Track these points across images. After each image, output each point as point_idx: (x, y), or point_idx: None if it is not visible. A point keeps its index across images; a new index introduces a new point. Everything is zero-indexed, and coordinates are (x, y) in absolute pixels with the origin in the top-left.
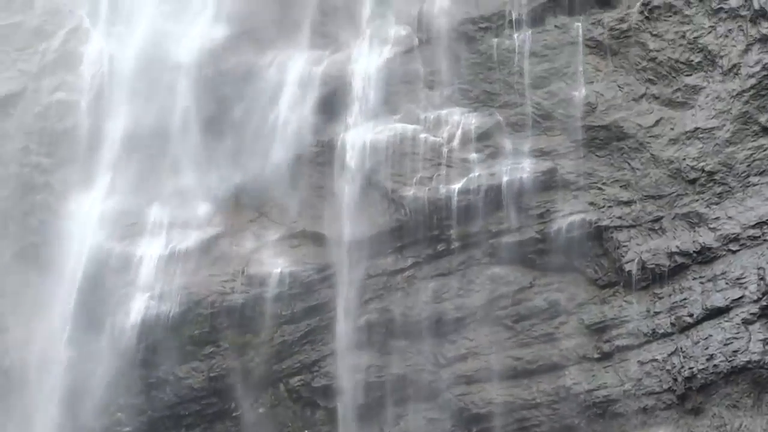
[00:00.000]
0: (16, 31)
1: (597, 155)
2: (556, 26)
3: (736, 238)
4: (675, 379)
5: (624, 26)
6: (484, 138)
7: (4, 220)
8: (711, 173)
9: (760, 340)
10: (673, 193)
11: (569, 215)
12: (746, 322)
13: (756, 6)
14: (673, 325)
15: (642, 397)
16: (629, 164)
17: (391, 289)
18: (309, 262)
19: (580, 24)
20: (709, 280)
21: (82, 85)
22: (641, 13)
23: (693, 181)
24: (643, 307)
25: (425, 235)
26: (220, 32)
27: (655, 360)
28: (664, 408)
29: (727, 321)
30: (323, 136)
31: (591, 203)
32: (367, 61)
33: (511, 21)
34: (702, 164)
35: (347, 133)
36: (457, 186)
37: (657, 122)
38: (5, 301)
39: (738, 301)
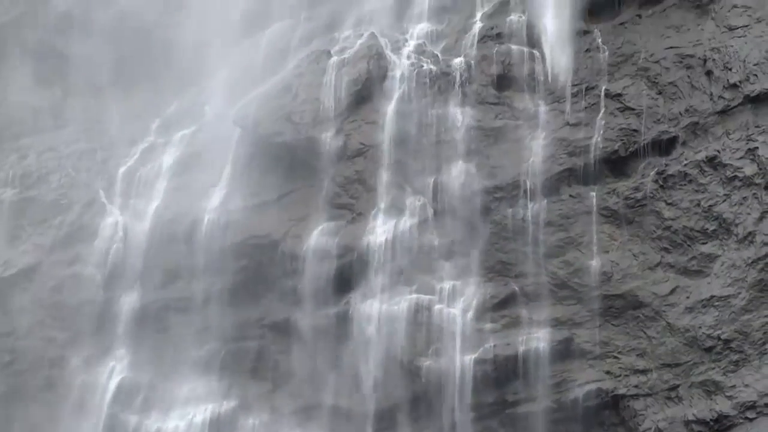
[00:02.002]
0: (32, 205)
1: (613, 324)
2: (570, 195)
3: (752, 406)
4: None
5: (639, 195)
6: (499, 308)
7: (21, 395)
8: (727, 341)
9: None
10: (689, 361)
11: (585, 384)
12: None
13: None
14: None
15: None
16: (645, 333)
17: None
18: None
19: (594, 193)
20: None
21: (98, 258)
22: (656, 182)
23: (709, 350)
24: None
25: (442, 405)
26: (235, 205)
27: None
28: None
29: None
30: (340, 307)
31: (607, 372)
32: (383, 231)
33: (525, 191)
34: (718, 332)
35: (364, 304)
36: (473, 356)
37: (672, 291)
38: None
39: None
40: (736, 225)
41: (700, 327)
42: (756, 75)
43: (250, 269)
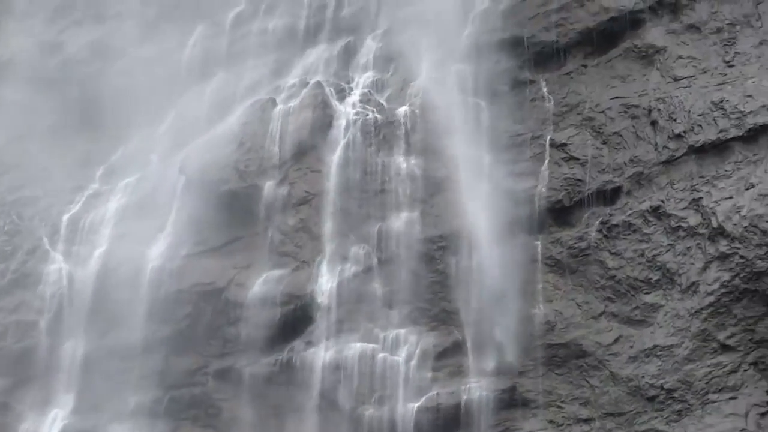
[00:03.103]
0: None
1: (556, 373)
2: (515, 245)
3: None
4: None
5: (583, 245)
6: (443, 357)
7: None
8: (670, 391)
9: None
10: (632, 410)
11: None
12: None
13: (714, 224)
14: None
15: None
16: (588, 382)
17: None
18: None
19: (539, 242)
20: None
21: (42, 305)
22: (600, 231)
23: (652, 399)
24: None
25: None
26: (180, 252)
27: None
28: None
29: None
30: (284, 355)
31: (551, 421)
32: (327, 279)
33: (470, 240)
34: (661, 382)
35: (308, 351)
36: (416, 405)
37: (616, 340)
38: None
39: None
40: (680, 275)
41: (643, 376)
42: (700, 125)
43: (194, 316)
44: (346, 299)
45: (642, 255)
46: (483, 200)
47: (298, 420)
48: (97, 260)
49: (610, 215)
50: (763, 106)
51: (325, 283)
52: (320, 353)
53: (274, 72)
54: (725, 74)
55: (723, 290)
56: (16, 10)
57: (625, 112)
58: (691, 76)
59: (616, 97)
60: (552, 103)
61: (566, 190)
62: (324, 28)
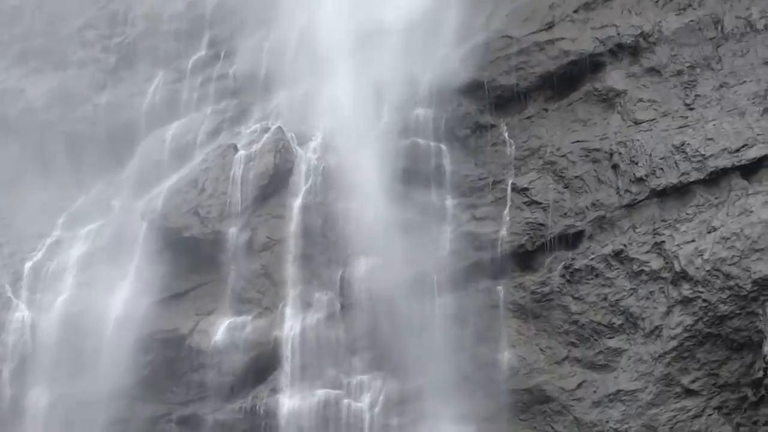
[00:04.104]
0: None
1: (520, 419)
2: (478, 290)
3: None
4: None
5: (546, 289)
6: (407, 402)
7: None
8: None
9: None
10: None
11: None
12: None
13: (677, 268)
14: None
15: None
16: (552, 427)
17: None
18: None
19: (501, 287)
20: None
21: (4, 353)
22: (563, 276)
23: None
24: None
25: None
26: (143, 299)
27: None
28: None
29: None
30: (247, 402)
31: None
32: (290, 326)
33: (432, 285)
34: (625, 426)
35: (272, 398)
36: None
37: (579, 385)
38: None
39: None
40: (643, 319)
41: (607, 421)
42: (662, 169)
43: (157, 364)
44: (309, 345)
45: (605, 299)
46: (446, 245)
47: None
48: (60, 308)
49: (573, 259)
50: (724, 150)
51: (289, 329)
52: (284, 400)
53: (235, 117)
54: (686, 117)
55: (686, 334)
56: None
57: (587, 155)
58: (652, 120)
59: (577, 141)
60: (513, 147)
61: (528, 234)
62: (285, 74)
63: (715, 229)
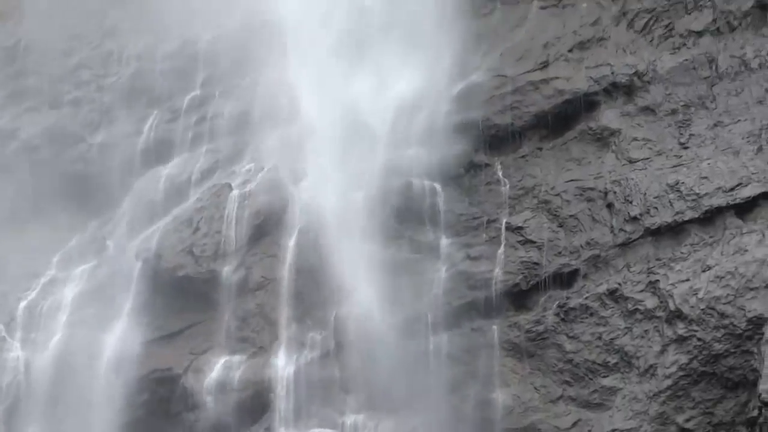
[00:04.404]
0: None
1: None
2: (472, 329)
3: None
4: None
5: (540, 328)
6: None
7: None
8: None
9: None
10: None
11: None
12: None
13: (672, 307)
14: None
15: None
16: None
17: None
18: None
19: (496, 326)
20: None
21: None
22: (557, 315)
23: None
24: None
25: None
26: (137, 338)
27: None
28: None
29: None
30: None
31: None
32: (284, 365)
33: (427, 324)
34: None
35: None
36: None
37: (574, 424)
38: None
39: None
40: (638, 358)
41: None
42: (656, 208)
43: (151, 403)
44: (303, 385)
45: (599, 338)
46: (440, 284)
47: None
48: (55, 348)
49: (567, 298)
50: (719, 188)
51: (283, 368)
52: None
53: (229, 157)
54: (680, 156)
55: (681, 373)
56: None
57: (581, 194)
58: (646, 158)
59: (572, 180)
60: (507, 186)
61: (523, 273)
62: (279, 113)
63: (709, 268)
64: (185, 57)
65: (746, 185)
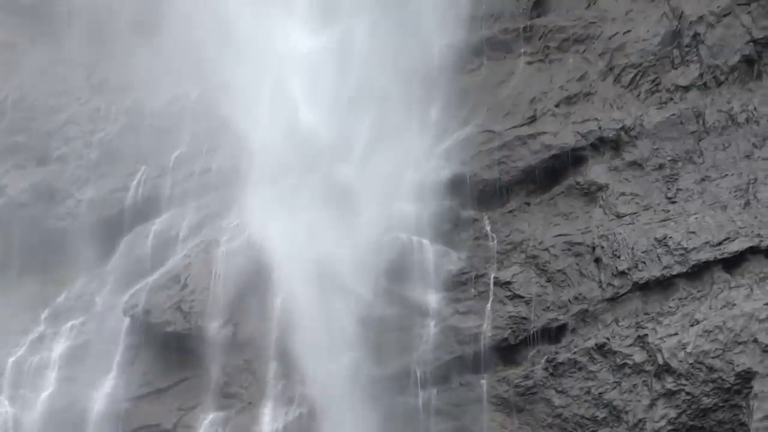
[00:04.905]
0: None
1: None
2: (461, 384)
3: None
4: None
5: (529, 383)
6: None
7: None
8: None
9: None
10: None
11: None
12: None
13: (660, 361)
14: None
15: None
16: None
17: None
18: None
19: (485, 381)
20: None
21: None
22: (546, 369)
23: None
24: None
25: None
26: (125, 394)
27: None
28: None
29: None
30: None
31: None
32: (272, 421)
33: (416, 379)
34: None
35: None
36: None
37: None
38: None
39: None
40: (627, 412)
41: None
42: (644, 262)
43: None
44: None
45: (588, 392)
46: (429, 339)
47: None
48: (44, 404)
49: (556, 353)
50: (706, 243)
51: (271, 424)
52: None
53: (217, 212)
54: (668, 211)
55: (670, 427)
56: None
57: (569, 249)
58: (634, 213)
59: (560, 235)
60: (495, 241)
61: (511, 328)
62: (268, 169)
63: (698, 322)
64: (173, 113)
65: (734, 240)
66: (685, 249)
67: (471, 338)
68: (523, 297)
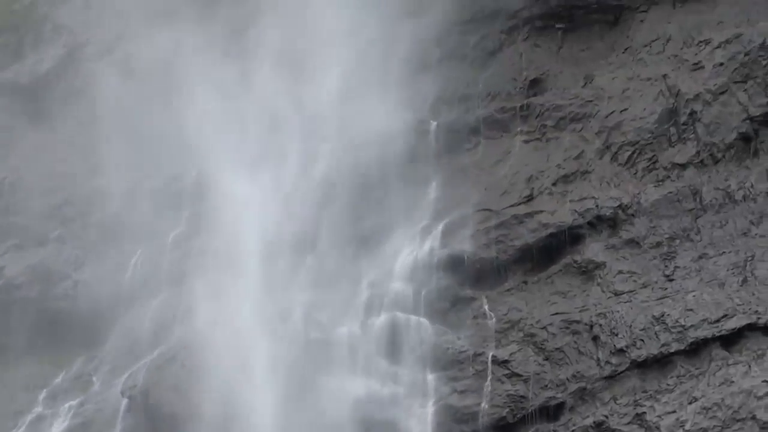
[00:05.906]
0: None
1: None
2: None
3: None
4: None
5: None
6: None
7: None
8: None
9: None
10: None
11: None
12: None
13: None
14: None
15: None
16: None
17: None
18: None
19: None
20: None
21: None
22: None
23: None
24: None
25: None
26: None
27: None
28: None
29: None
30: None
31: None
32: None
33: None
34: None
35: None
36: None
37: None
38: None
39: None
40: None
41: None
42: (642, 340)
43: None
44: None
45: None
46: (426, 419)
47: None
48: None
49: (554, 431)
50: (704, 320)
51: None
52: None
53: (213, 292)
54: (666, 288)
55: None
56: None
57: (567, 327)
58: (631, 291)
59: (557, 313)
60: (493, 320)
61: (509, 407)
62: (266, 247)
63: (696, 400)
64: (171, 193)
65: (732, 317)
66: (683, 326)
67: (469, 417)
68: (521, 375)
